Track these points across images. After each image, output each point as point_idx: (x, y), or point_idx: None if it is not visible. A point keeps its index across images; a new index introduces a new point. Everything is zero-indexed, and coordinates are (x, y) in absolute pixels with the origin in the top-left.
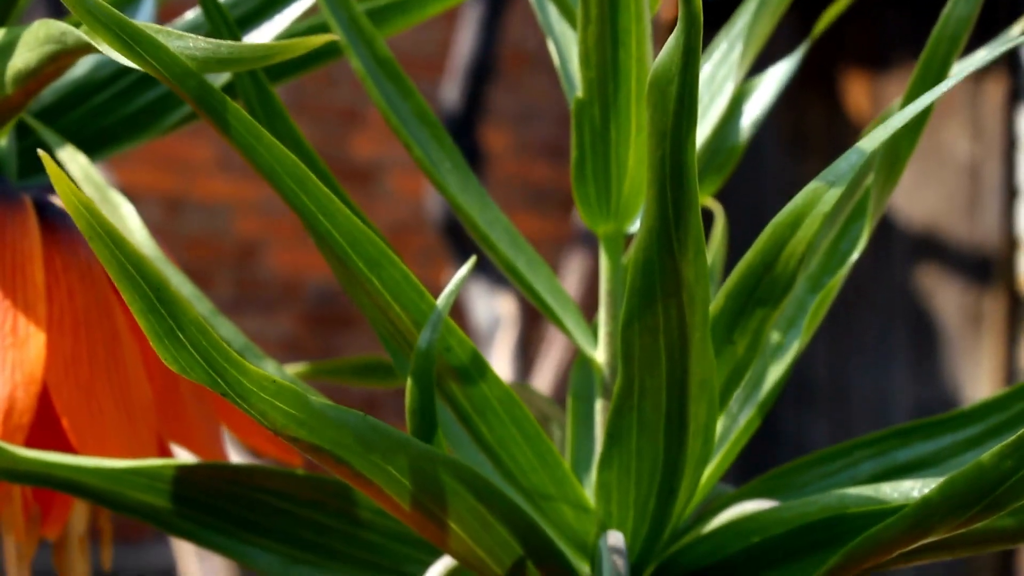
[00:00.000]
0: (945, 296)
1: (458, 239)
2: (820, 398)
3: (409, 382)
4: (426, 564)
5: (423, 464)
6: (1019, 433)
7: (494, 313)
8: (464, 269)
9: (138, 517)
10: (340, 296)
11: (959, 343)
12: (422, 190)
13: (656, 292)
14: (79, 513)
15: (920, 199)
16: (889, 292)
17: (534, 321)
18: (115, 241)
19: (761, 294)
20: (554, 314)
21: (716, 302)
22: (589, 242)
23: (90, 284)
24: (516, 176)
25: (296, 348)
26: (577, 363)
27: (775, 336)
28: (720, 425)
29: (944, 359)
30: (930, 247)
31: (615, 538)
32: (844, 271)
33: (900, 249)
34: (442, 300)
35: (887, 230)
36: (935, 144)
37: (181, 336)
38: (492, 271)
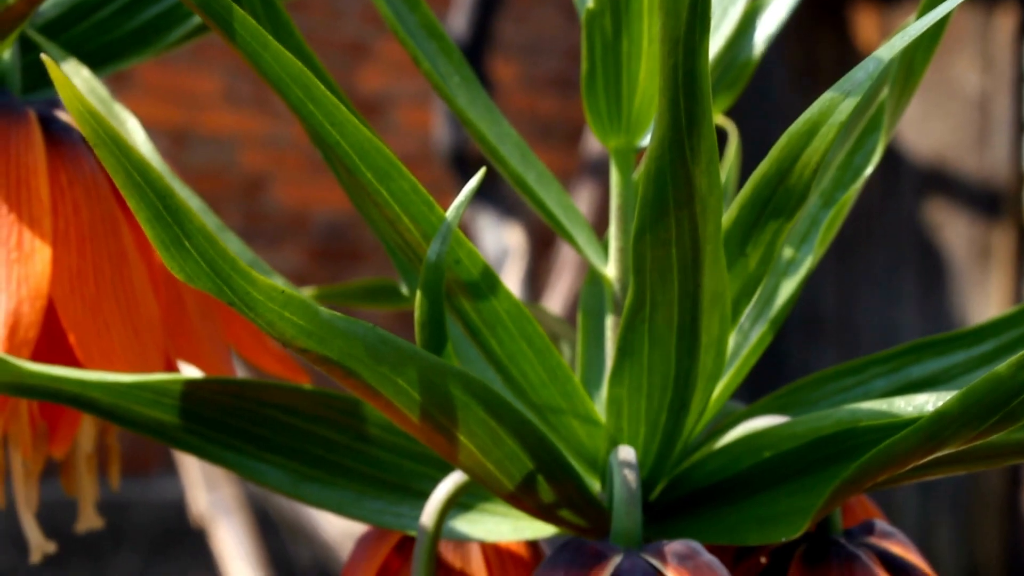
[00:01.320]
0: (953, 229)
1: (466, 171)
2: (828, 331)
3: (418, 295)
4: (435, 480)
5: (432, 376)
6: None
7: (502, 244)
8: (474, 180)
9: (145, 432)
10: (347, 230)
11: (967, 276)
12: (430, 123)
13: (669, 203)
14: (86, 432)
15: (929, 133)
16: (897, 226)
17: (542, 252)
18: (120, 148)
19: (775, 205)
20: (565, 229)
21: (729, 214)
22: (597, 174)
23: (96, 199)
24: (524, 109)
25: (303, 281)
26: (588, 280)
27: (787, 252)
28: (732, 341)
29: (952, 292)
30: (938, 181)
31: (626, 453)
32: (858, 186)
33: (908, 183)
34: (451, 212)
35: (895, 164)
36: (944, 77)
37: (187, 244)
38: (500, 202)
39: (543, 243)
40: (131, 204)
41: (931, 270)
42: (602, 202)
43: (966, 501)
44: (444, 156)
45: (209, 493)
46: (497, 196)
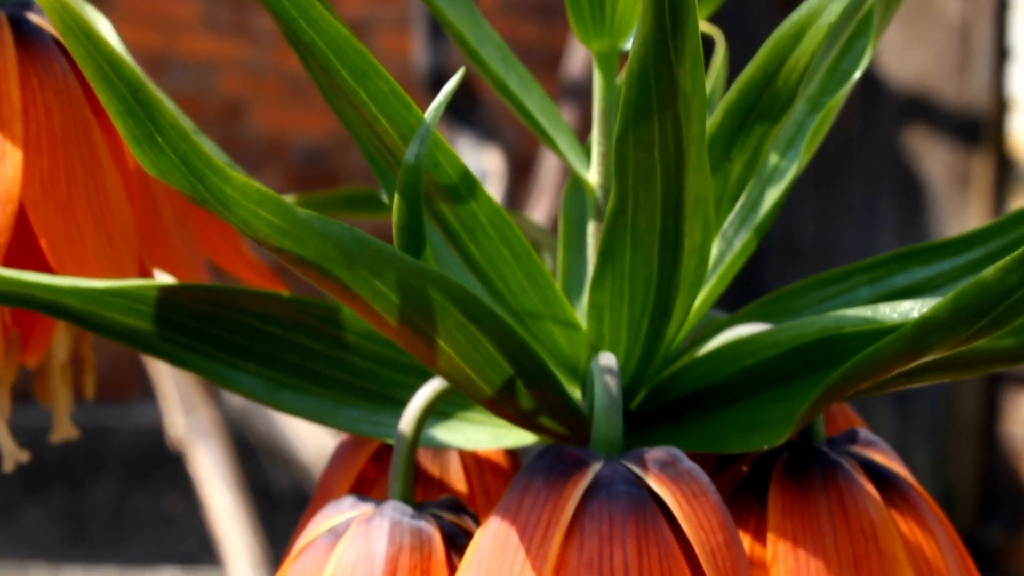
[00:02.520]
0: (933, 157)
1: None
2: (807, 259)
3: (396, 197)
4: (413, 389)
5: (411, 279)
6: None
7: (481, 168)
8: (452, 82)
9: (119, 339)
10: (326, 156)
11: (946, 204)
12: (409, 50)
13: (652, 103)
14: (60, 341)
15: (910, 60)
16: (877, 153)
17: (521, 177)
18: (91, 39)
19: (761, 109)
20: (546, 134)
21: (714, 117)
22: (577, 98)
23: (68, 103)
24: (504, 34)
25: None
26: (569, 186)
27: (773, 158)
28: (716, 249)
29: (931, 220)
30: (919, 108)
31: (607, 359)
32: (845, 91)
33: (888, 110)
34: (430, 113)
35: (876, 91)
36: (925, 4)
37: (160, 139)
38: (479, 126)
39: (522, 168)
40: (102, 97)
41: (910, 198)
42: (582, 126)
43: (942, 429)
44: (424, 80)
45: (186, 416)
46: (476, 120)
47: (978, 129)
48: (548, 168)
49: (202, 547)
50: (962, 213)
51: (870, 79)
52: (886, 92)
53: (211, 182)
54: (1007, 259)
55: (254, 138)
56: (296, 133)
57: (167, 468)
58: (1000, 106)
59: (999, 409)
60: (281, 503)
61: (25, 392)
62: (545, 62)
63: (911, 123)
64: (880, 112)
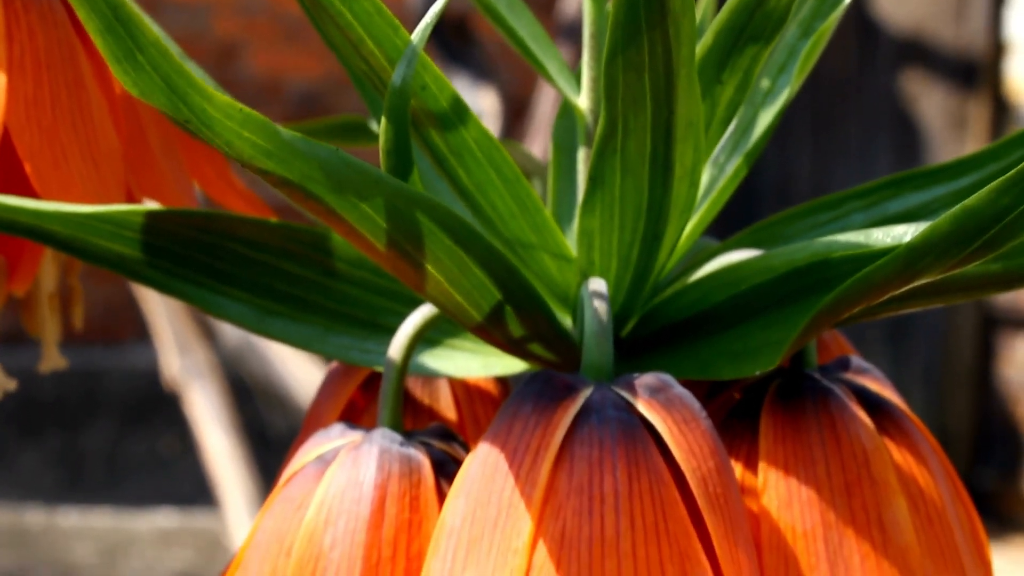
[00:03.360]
0: (929, 100)
1: (440, 35)
2: (802, 202)
3: (383, 121)
4: (403, 316)
5: (398, 202)
6: (1017, 168)
7: (477, 107)
8: (440, 2)
9: (105, 266)
10: (321, 97)
11: (942, 147)
12: None
13: (641, 24)
14: (48, 270)
15: (906, 3)
16: (873, 96)
17: (516, 119)
18: None
19: (752, 31)
20: (535, 59)
21: (705, 39)
22: (572, 37)
23: (52, 26)
24: None
25: None
26: (559, 113)
27: (764, 82)
28: (707, 175)
29: (927, 163)
30: (915, 51)
31: (597, 285)
32: (837, 15)
33: (885, 53)
34: (417, 35)
35: (872, 35)
36: None
37: (140, 58)
38: (474, 66)
39: (517, 111)
40: (80, 14)
41: (907, 141)
42: (576, 64)
43: (938, 373)
44: (416, 20)
45: (182, 357)
46: (471, 60)
47: (975, 72)
48: (543, 110)
49: (198, 489)
50: (958, 156)
51: (867, 22)
52: (882, 35)
53: (193, 101)
54: (999, 181)
55: (249, 80)
56: (291, 75)
57: (163, 411)
58: (997, 49)
59: (994, 353)
60: (277, 444)
61: (19, 334)
62: (539, 3)
63: (907, 66)
64: (876, 55)
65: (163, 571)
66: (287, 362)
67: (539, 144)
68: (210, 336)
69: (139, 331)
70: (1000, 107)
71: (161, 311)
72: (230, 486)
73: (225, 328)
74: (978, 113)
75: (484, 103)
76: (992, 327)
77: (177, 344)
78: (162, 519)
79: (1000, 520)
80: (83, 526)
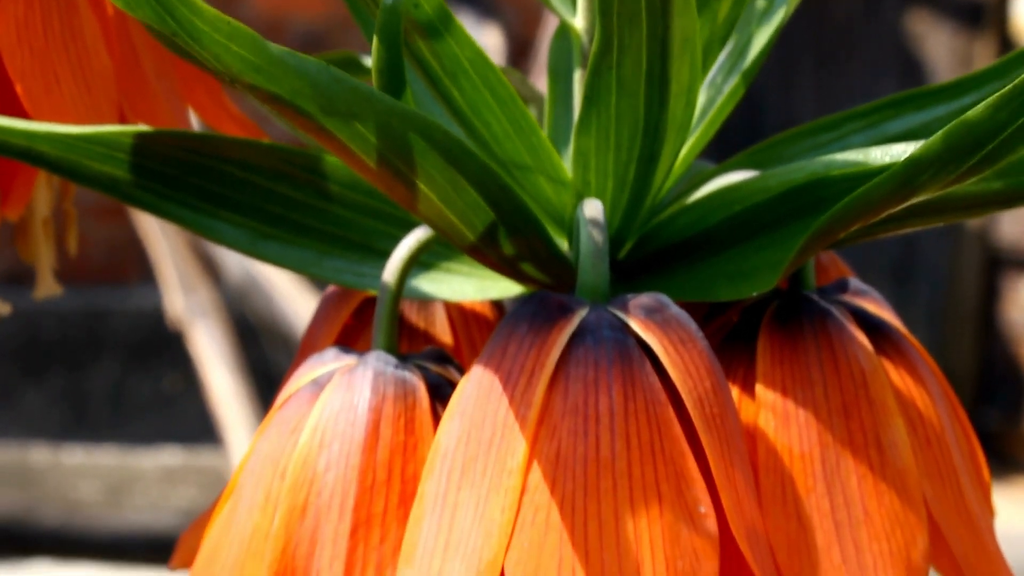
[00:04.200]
0: (936, 41)
1: None
2: None
3: (375, 40)
4: (397, 239)
5: (390, 120)
6: (1016, 82)
7: (480, 44)
8: None
9: (98, 188)
10: (326, 37)
11: None
12: None
13: None
14: (41, 194)
15: None
16: (879, 37)
17: (520, 60)
18: None
19: None
20: None
21: None
22: None
23: None
24: None
25: None
26: (556, 35)
27: (761, 1)
28: (703, 96)
29: None
30: None
31: (593, 206)
32: None
33: None
34: None
35: None
36: None
37: None
38: (478, 3)
39: (521, 51)
40: None
41: (912, 82)
42: None
43: (941, 313)
44: None
45: (185, 296)
46: None
47: (981, 12)
48: (546, 49)
49: (203, 427)
50: None
51: None
52: None
53: (180, 14)
54: (997, 95)
55: (251, 20)
56: (294, 15)
57: (167, 351)
58: None
59: (998, 294)
60: (280, 383)
61: (22, 275)
62: None
63: (913, 6)
64: None
65: (168, 508)
66: (291, 300)
67: (541, 83)
68: (214, 275)
69: (143, 271)
70: (1006, 47)
71: (164, 250)
72: (234, 424)
73: (229, 267)
74: (984, 53)
75: (488, 40)
76: (996, 268)
77: (181, 283)
78: (167, 457)
79: (1003, 460)
80: (88, 464)
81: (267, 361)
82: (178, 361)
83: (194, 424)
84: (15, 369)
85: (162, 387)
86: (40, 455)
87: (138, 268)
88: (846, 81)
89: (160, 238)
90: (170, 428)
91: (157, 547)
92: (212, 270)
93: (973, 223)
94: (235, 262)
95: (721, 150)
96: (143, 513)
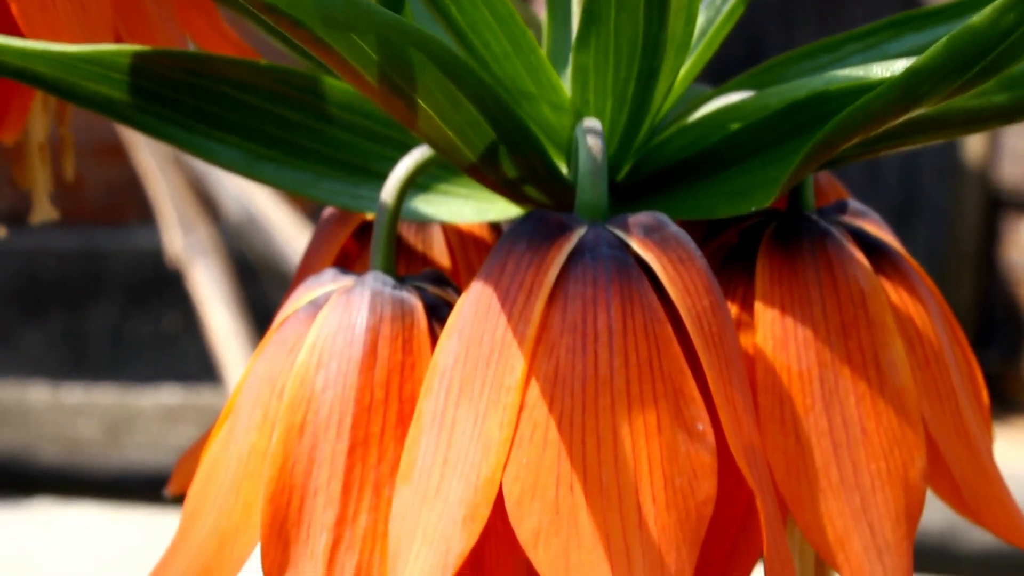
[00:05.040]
0: None
1: None
2: None
3: None
4: (395, 162)
5: (389, 34)
6: None
7: None
8: None
9: (93, 108)
10: None
11: None
12: None
13: None
14: (38, 119)
15: None
16: None
17: None
18: None
19: None
20: None
21: None
22: None
23: None
24: None
25: None
26: None
27: None
28: (703, 16)
29: None
30: None
31: (592, 124)
32: None
33: None
34: None
35: None
36: None
37: None
38: None
39: None
40: None
41: None
42: None
43: (941, 254)
44: None
45: (185, 235)
46: None
47: None
48: None
49: (202, 368)
50: None
51: None
52: None
53: None
54: (1000, 1)
55: None
56: None
57: (166, 292)
58: None
59: (998, 235)
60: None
61: (23, 214)
62: None
63: None
64: None
65: (167, 447)
66: (289, 238)
67: (541, 11)
68: (213, 214)
69: (142, 212)
70: None
71: (163, 189)
72: (233, 363)
73: (228, 206)
74: None
75: None
76: (997, 210)
77: (179, 222)
78: (166, 396)
79: (1003, 402)
80: (87, 403)
81: (266, 299)
82: (178, 301)
83: (194, 364)
84: (14, 310)
85: (162, 327)
86: (39, 394)
87: (137, 209)
88: (848, 25)
89: (159, 177)
90: (170, 368)
91: (157, 485)
92: (211, 209)
93: (974, 164)
94: (234, 201)
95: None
96: (143, 451)
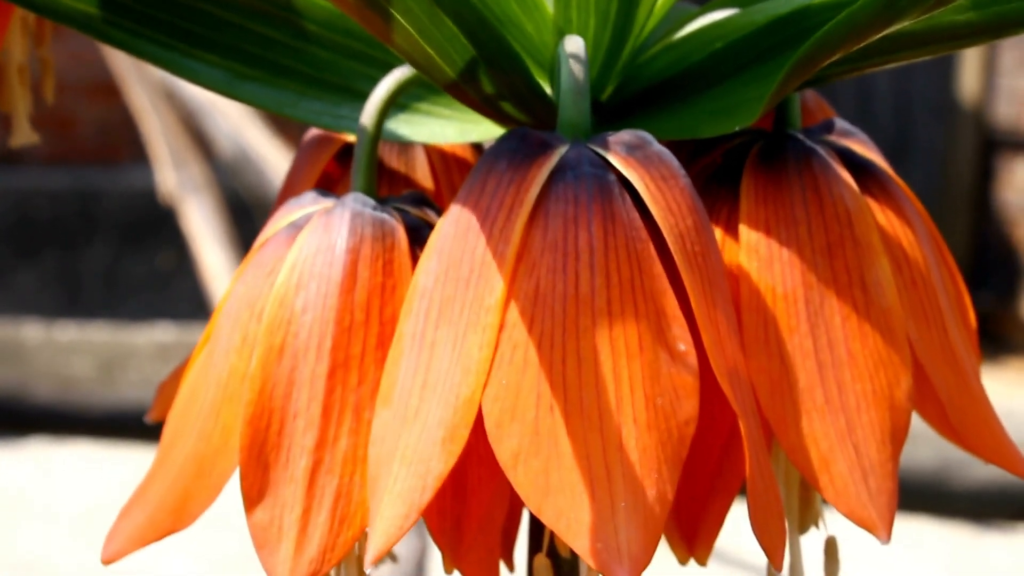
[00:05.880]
0: None
1: None
2: None
3: None
4: (376, 80)
5: None
6: None
7: None
8: None
9: (72, 25)
10: None
11: None
12: None
13: None
14: (17, 40)
15: None
16: None
17: None
18: None
19: None
20: None
21: None
22: None
23: None
24: None
25: None
26: None
27: None
28: None
29: None
30: None
31: (574, 43)
32: None
33: None
34: None
35: None
36: None
37: None
38: None
39: None
40: None
41: None
42: None
43: (936, 194)
44: None
45: (177, 172)
46: None
47: None
48: None
49: (196, 307)
50: None
51: None
52: None
53: None
54: None
55: None
56: None
57: (160, 232)
58: None
59: (993, 175)
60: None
61: (16, 154)
62: None
63: None
64: None
65: None
66: (282, 175)
67: None
68: (205, 151)
69: (135, 152)
70: None
71: (156, 126)
72: None
73: (220, 142)
74: None
75: None
76: (991, 150)
77: (172, 159)
78: (160, 334)
79: (996, 342)
80: (81, 340)
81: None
82: (171, 240)
83: (187, 302)
84: (7, 250)
85: (155, 265)
86: (32, 332)
87: (130, 148)
88: None
89: (151, 115)
90: (163, 307)
91: (151, 423)
92: (204, 146)
93: (968, 104)
94: (227, 137)
95: None
96: (137, 389)
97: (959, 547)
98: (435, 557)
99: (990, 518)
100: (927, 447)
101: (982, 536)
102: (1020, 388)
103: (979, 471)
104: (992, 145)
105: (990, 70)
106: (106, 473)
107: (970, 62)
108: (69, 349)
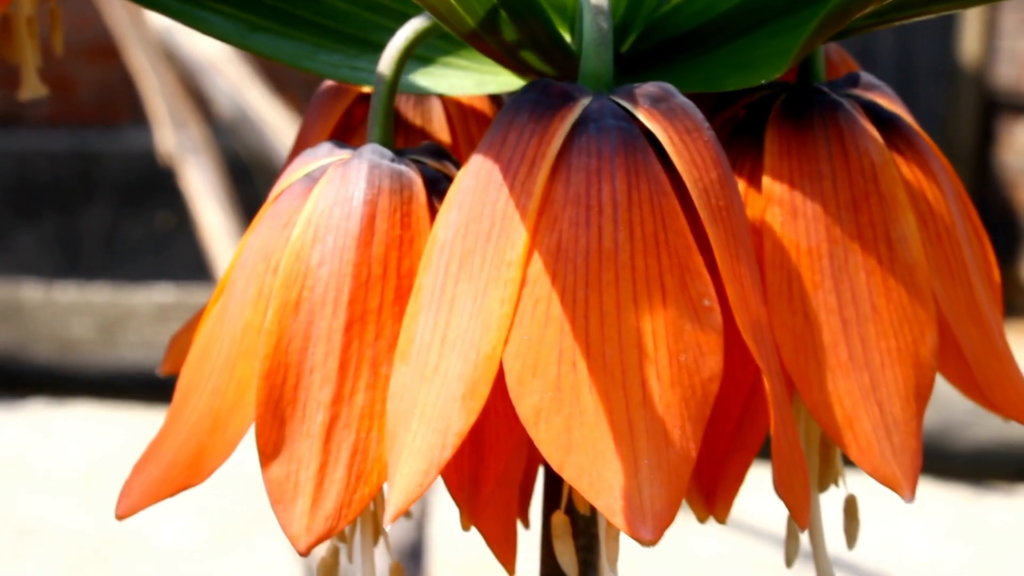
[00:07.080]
0: None
1: None
2: None
3: None
4: (392, 31)
5: None
6: None
7: None
8: None
9: None
10: None
11: None
12: None
13: None
14: None
15: None
16: None
17: None
18: None
19: None
20: None
21: None
22: None
23: None
24: None
25: None
26: None
27: None
28: None
29: None
30: None
31: None
32: None
33: None
34: None
35: None
36: None
37: None
38: None
39: None
40: None
41: None
42: None
43: None
44: None
45: (177, 132)
46: None
47: None
48: None
49: (195, 268)
50: None
51: None
52: None
53: None
54: None
55: None
56: None
57: (160, 194)
58: None
59: (994, 137)
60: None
61: (16, 116)
62: None
63: None
64: None
65: (160, 345)
66: (282, 135)
67: None
68: (205, 111)
69: (135, 113)
70: None
71: (155, 87)
72: (226, 261)
73: (220, 103)
74: None
75: None
76: (992, 111)
77: (172, 119)
78: (159, 295)
79: None
80: (80, 301)
81: (259, 197)
82: (171, 202)
83: (187, 264)
84: (7, 211)
85: (155, 226)
86: (32, 292)
87: (130, 109)
88: None
89: (151, 75)
90: (163, 268)
91: (150, 384)
92: (203, 107)
93: (969, 66)
94: (226, 98)
95: None
96: (136, 350)
97: (959, 508)
98: (435, 517)
99: (990, 479)
100: (927, 408)
101: (982, 497)
102: (1020, 350)
103: (979, 432)
104: (993, 107)
105: (991, 32)
106: (106, 434)
107: (971, 24)
108: (68, 310)
